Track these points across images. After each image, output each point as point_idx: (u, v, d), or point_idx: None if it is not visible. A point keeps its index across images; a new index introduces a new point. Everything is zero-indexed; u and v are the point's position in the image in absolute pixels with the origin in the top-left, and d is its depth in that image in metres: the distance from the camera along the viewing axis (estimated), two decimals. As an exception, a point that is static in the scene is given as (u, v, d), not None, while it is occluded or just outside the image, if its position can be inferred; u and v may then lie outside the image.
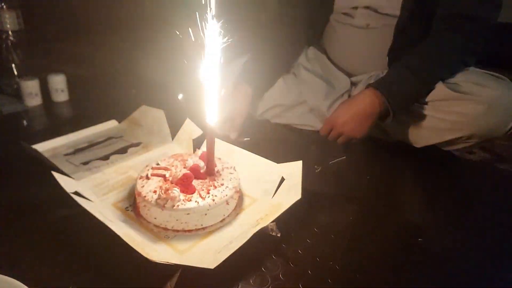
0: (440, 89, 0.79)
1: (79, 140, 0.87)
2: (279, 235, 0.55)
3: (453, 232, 0.61)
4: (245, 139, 0.90)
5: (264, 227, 0.56)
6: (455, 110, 0.76)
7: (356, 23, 0.94)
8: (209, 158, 0.65)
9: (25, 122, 1.03)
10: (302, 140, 0.95)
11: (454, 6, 0.79)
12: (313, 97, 1.00)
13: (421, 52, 0.81)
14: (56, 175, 0.62)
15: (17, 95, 1.13)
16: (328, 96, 0.98)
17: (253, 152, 0.78)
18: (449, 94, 0.77)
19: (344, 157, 0.84)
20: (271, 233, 0.55)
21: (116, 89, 1.36)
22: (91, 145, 0.85)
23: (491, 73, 0.80)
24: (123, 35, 2.28)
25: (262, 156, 0.77)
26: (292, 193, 0.64)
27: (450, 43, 0.80)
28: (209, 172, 0.65)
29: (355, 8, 0.93)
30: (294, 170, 0.68)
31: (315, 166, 0.80)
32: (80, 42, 2.12)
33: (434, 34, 0.83)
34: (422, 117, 0.82)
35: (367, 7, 0.91)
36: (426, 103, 0.81)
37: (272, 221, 0.57)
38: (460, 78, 0.79)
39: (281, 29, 1.02)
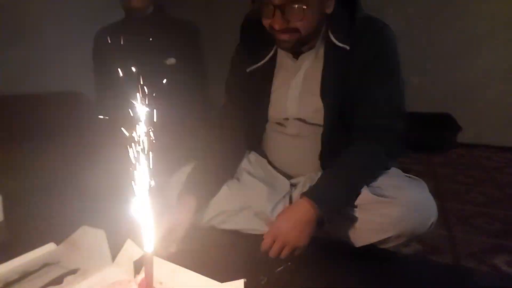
0: (365, 194, 0.87)
1: (10, 272, 0.82)
2: None
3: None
4: (171, 250, 0.89)
5: None
6: (380, 212, 0.83)
7: (288, 132, 1.04)
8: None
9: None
10: (249, 246, 0.96)
11: (369, 118, 0.92)
12: (256, 201, 1.04)
13: (344, 162, 0.90)
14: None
15: None
16: (270, 199, 1.03)
17: (197, 264, 0.77)
18: (373, 199, 0.85)
19: (289, 263, 0.86)
20: None
21: (56, 204, 1.32)
22: (24, 276, 0.80)
23: (408, 175, 0.91)
24: (61, 141, 2.28)
25: (207, 267, 0.76)
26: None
27: (369, 151, 0.91)
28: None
29: (286, 119, 1.04)
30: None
31: (261, 277, 0.80)
32: (15, 150, 2.07)
33: (354, 143, 0.93)
34: (354, 219, 0.88)
35: (296, 119, 1.02)
36: (356, 207, 0.88)
37: None
38: (382, 182, 0.88)
39: (222, 138, 1.08)
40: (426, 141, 2.30)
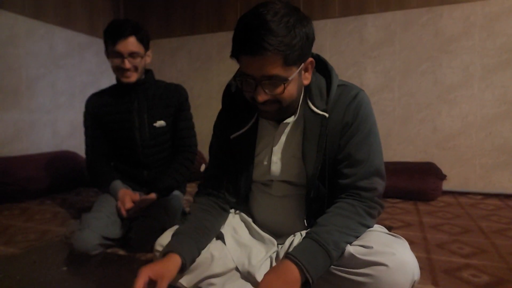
0: (347, 253, 0.89)
1: None
2: None
3: None
4: None
5: None
6: (363, 272, 0.85)
7: (273, 192, 1.09)
8: None
9: None
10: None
11: (351, 179, 0.97)
12: (242, 262, 1.05)
13: (327, 221, 0.93)
14: None
15: None
16: (256, 259, 1.05)
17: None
18: (355, 259, 0.87)
19: None
20: None
21: (46, 268, 1.31)
22: None
23: (390, 233, 0.94)
24: (58, 198, 2.29)
25: None
26: None
27: (352, 210, 0.95)
28: None
29: (271, 180, 1.09)
30: None
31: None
32: (11, 212, 2.08)
33: (337, 202, 0.98)
34: (337, 278, 0.90)
35: (281, 181, 1.07)
36: (339, 265, 0.90)
37: None
38: (363, 242, 0.90)
39: (206, 201, 1.12)
40: (412, 190, 2.36)
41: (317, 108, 0.99)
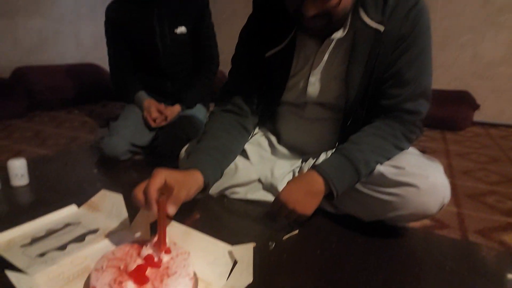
0: (377, 172, 0.87)
1: (37, 229, 0.88)
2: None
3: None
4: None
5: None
6: (393, 192, 0.84)
7: (306, 115, 1.02)
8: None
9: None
10: (258, 214, 1.00)
11: (396, 100, 0.89)
12: (265, 174, 1.06)
13: (361, 139, 0.89)
14: (9, 274, 0.63)
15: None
16: (279, 172, 1.06)
17: (208, 230, 0.82)
18: (385, 178, 0.85)
19: (297, 231, 0.90)
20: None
21: (77, 169, 1.38)
22: (49, 233, 0.86)
23: (425, 155, 0.90)
24: (86, 109, 2.34)
25: (219, 233, 0.81)
26: (244, 277, 0.67)
27: (390, 131, 0.89)
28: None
29: (305, 103, 1.01)
30: (245, 253, 0.72)
31: (270, 243, 0.84)
32: (41, 118, 2.16)
33: (375, 123, 0.92)
34: (364, 196, 0.89)
35: (316, 103, 0.99)
36: (367, 183, 0.89)
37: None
38: (395, 163, 0.87)
39: (228, 115, 1.05)
40: (441, 119, 2.27)
41: (371, 19, 0.85)
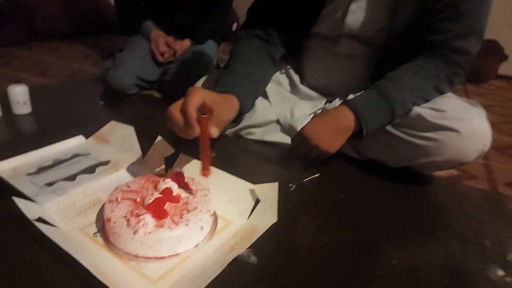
0: (414, 114, 0.80)
1: (43, 158, 0.82)
2: (255, 262, 0.54)
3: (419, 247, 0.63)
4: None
5: (240, 254, 0.54)
6: (430, 136, 0.77)
7: (339, 50, 0.92)
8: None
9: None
10: (276, 156, 0.95)
11: (446, 36, 0.79)
12: (284, 115, 0.99)
13: (399, 76, 0.81)
14: (17, 200, 0.58)
15: (-26, 107, 1.06)
16: (300, 113, 0.98)
17: (226, 170, 0.77)
18: (423, 121, 0.78)
19: (318, 174, 0.85)
20: (247, 260, 0.54)
21: (82, 101, 1.31)
22: (56, 163, 0.81)
23: (466, 100, 0.81)
24: (89, 42, 2.21)
25: (235, 174, 0.76)
26: (267, 216, 0.63)
27: (433, 70, 0.80)
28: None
29: (340, 35, 0.90)
30: (269, 191, 0.67)
31: (290, 185, 0.79)
32: (42, 48, 2.04)
33: (417, 61, 0.82)
34: (396, 139, 0.83)
35: (352, 36, 0.88)
36: (401, 125, 0.82)
37: (248, 248, 0.55)
38: (435, 105, 0.79)
39: (255, 41, 0.94)
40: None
41: None
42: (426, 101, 0.81)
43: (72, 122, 1.09)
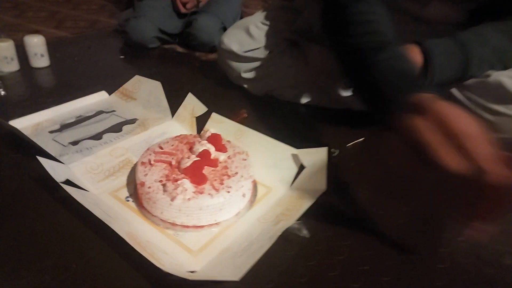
0: (495, 81, 0.67)
1: (66, 115, 0.77)
2: (308, 236, 0.48)
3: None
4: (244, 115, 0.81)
5: (290, 226, 0.49)
6: (503, 111, 0.66)
7: (425, 16, 0.75)
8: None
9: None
10: (314, 119, 0.87)
11: None
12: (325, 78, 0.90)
13: (483, 32, 0.67)
14: (42, 161, 0.52)
15: (-10, 59, 1.00)
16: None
17: (261, 130, 0.69)
18: (503, 91, 0.66)
19: (363, 138, 0.77)
20: (298, 233, 0.49)
21: (102, 54, 1.23)
22: (80, 120, 0.75)
23: None
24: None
25: (273, 137, 0.68)
26: (314, 184, 0.57)
27: None
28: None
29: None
30: (317, 156, 0.60)
31: (332, 150, 0.72)
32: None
33: (509, 21, 0.67)
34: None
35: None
36: (468, 91, 0.70)
37: (298, 219, 0.50)
38: None
39: None
40: None
41: None
42: (506, 68, 0.68)
43: (93, 77, 1.02)
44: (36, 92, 0.93)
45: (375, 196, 0.60)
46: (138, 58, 1.23)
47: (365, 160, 0.71)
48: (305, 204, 0.53)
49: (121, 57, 1.22)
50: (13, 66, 1.00)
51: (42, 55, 1.03)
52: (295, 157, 0.63)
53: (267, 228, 0.50)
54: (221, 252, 0.48)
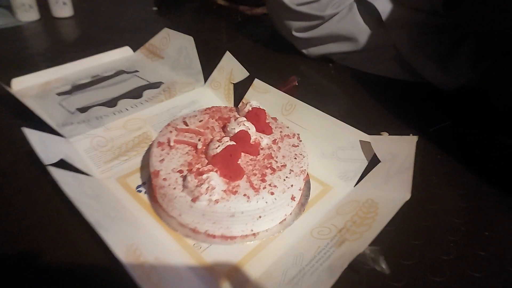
0: None
1: (80, 73, 0.64)
2: (387, 272, 0.32)
3: None
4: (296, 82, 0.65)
5: (361, 253, 0.33)
6: None
7: None
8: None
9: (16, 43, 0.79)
10: (388, 94, 0.69)
11: None
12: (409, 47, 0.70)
13: None
14: (29, 133, 0.39)
15: (8, 6, 0.88)
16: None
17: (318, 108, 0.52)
18: None
19: (449, 122, 0.59)
20: (372, 265, 0.33)
21: (132, 5, 1.09)
22: (96, 81, 0.62)
23: None
24: None
25: (332, 115, 0.51)
26: (393, 188, 0.40)
27: None
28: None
29: None
30: (399, 148, 0.43)
31: (410, 135, 0.54)
32: None
33: None
34: None
35: None
36: None
37: (372, 243, 0.34)
38: None
39: None
40: None
41: None
42: None
43: (119, 30, 0.89)
44: (54, 45, 0.81)
45: (473, 204, 0.43)
46: (174, 11, 1.07)
47: (454, 150, 0.53)
48: (381, 218, 0.37)
49: (154, 8, 1.07)
50: (32, 15, 0.88)
51: (64, 3, 0.91)
52: (365, 145, 0.46)
53: (324, 248, 0.35)
54: (258, 278, 0.33)
